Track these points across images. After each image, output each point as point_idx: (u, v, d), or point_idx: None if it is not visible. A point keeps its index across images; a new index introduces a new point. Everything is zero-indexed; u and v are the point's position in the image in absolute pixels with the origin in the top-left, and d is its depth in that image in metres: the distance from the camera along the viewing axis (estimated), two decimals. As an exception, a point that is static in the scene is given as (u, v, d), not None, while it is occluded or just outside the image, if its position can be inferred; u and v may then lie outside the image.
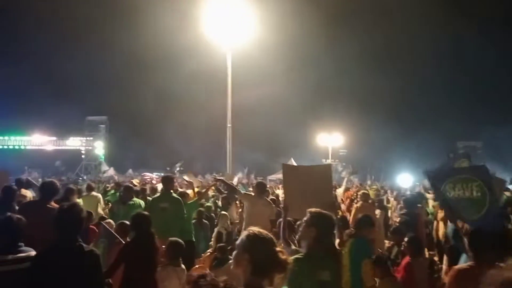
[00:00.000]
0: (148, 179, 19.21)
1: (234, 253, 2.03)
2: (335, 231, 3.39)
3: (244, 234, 2.05)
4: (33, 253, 3.43)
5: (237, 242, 2.06)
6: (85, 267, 2.87)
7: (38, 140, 31.83)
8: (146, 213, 4.29)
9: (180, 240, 4.42)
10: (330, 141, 34.05)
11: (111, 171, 24.47)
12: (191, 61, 25.82)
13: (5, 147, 30.85)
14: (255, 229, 2.05)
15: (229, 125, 18.82)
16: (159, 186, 10.96)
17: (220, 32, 18.56)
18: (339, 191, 9.87)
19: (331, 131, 33.74)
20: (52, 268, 2.89)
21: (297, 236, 5.00)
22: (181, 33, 22.92)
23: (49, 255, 3.01)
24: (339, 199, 9.97)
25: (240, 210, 8.29)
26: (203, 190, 8.75)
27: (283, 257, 1.95)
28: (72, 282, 2.86)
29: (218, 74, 20.77)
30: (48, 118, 29.32)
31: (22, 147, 31.42)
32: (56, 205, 4.73)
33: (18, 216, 3.54)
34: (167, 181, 6.21)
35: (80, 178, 22.61)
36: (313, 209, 3.01)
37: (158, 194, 6.90)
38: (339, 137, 34.60)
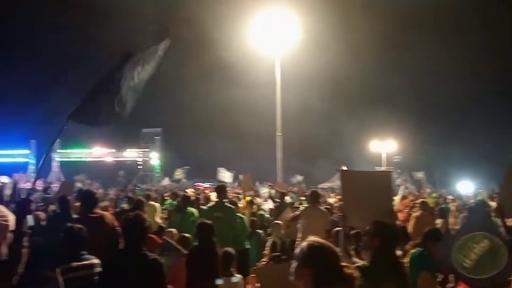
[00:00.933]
0: (201, 188, 19.60)
1: (293, 264, 1.93)
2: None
3: (304, 244, 1.94)
4: (95, 260, 3.60)
5: (297, 252, 1.95)
6: (149, 275, 2.97)
7: (98, 153, 33.50)
8: (209, 222, 4.38)
9: (230, 250, 4.46)
10: (383, 147, 33.02)
11: (165, 181, 25.30)
12: (241, 70, 26.22)
13: (68, 159, 32.73)
14: (316, 239, 1.94)
15: (278, 133, 18.79)
16: (212, 195, 11.18)
17: (267, 39, 18.70)
18: (396, 200, 9.50)
19: (384, 137, 32.72)
20: (118, 276, 3.01)
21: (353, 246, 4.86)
22: (229, 43, 23.36)
23: (116, 263, 3.14)
24: (395, 208, 9.60)
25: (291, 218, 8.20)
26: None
27: (349, 271, 1.83)
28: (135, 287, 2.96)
29: (268, 83, 20.88)
30: (106, 132, 30.97)
31: (84, 160, 33.25)
32: (101, 213, 4.97)
33: (80, 225, 3.74)
34: (221, 190, 6.31)
35: (137, 188, 23.58)
36: (377, 219, 2.93)
37: (212, 203, 7.02)
38: (393, 143, 33.46)
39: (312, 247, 1.91)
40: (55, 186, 14.95)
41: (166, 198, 11.01)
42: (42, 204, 9.94)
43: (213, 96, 29.37)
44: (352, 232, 4.95)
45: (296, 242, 6.47)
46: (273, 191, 11.16)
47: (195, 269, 4.05)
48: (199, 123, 32.21)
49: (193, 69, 30.80)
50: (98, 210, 4.86)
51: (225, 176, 17.45)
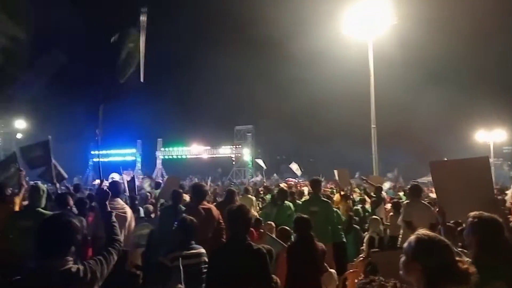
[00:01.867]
0: (292, 183, 19.76)
1: (402, 259, 1.84)
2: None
3: (412, 238, 1.84)
4: (202, 250, 3.84)
5: (405, 246, 1.86)
6: (253, 265, 3.08)
7: (196, 150, 35.42)
8: (306, 216, 4.42)
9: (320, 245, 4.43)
10: (491, 137, 29.89)
11: (258, 177, 25.97)
12: (332, 63, 25.75)
13: (170, 157, 35.14)
14: (426, 232, 1.82)
15: (373, 125, 18.08)
16: (305, 190, 11.21)
17: (359, 26, 18.07)
18: (509, 194, 8.59)
19: (492, 127, 29.59)
20: (225, 265, 3.18)
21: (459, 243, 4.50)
22: (320, 34, 23.05)
23: (222, 253, 3.32)
24: (508, 203, 8.66)
25: (391, 214, 7.87)
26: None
27: (464, 267, 1.69)
28: (242, 279, 3.08)
29: (360, 72, 20.16)
30: (203, 130, 32.84)
31: (184, 157, 35.47)
32: (208, 206, 5.25)
33: (191, 217, 4.01)
34: (316, 185, 6.29)
35: (232, 183, 24.57)
36: (473, 213, 2.64)
37: (307, 198, 7.03)
38: (502, 132, 30.12)
39: (420, 240, 1.80)
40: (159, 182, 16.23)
41: (260, 192, 11.31)
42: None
43: (303, 90, 29.29)
44: (459, 228, 4.61)
45: (399, 238, 6.21)
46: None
47: (296, 263, 4.11)
48: (289, 119, 32.45)
49: (282, 64, 31.04)
50: (206, 203, 5.18)
51: (295, 170, 17.47)
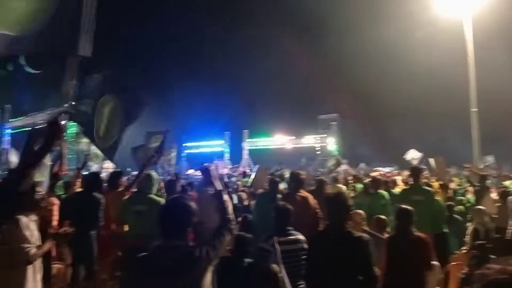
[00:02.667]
0: (382, 173, 19.01)
1: None
2: None
3: None
4: (301, 236, 3.92)
5: None
6: (354, 252, 3.08)
7: (280, 140, 35.73)
8: (409, 207, 4.28)
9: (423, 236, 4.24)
10: None
11: (344, 166, 25.40)
12: (424, 43, 24.13)
13: (256, 147, 35.89)
14: None
15: (473, 109, 16.65)
16: (398, 179, 10.78)
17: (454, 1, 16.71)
18: None
19: None
20: (324, 251, 3.22)
21: None
22: (406, 16, 21.74)
23: (321, 239, 3.37)
24: None
25: (498, 204, 7.26)
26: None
27: None
28: (342, 265, 3.11)
29: (457, 52, 18.64)
30: (287, 120, 32.98)
31: (268, 147, 36.03)
32: (306, 194, 5.30)
33: (286, 204, 4.12)
34: (417, 172, 6.04)
35: (318, 173, 24.38)
36: None
37: (407, 187, 6.76)
38: None
39: None
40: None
41: (349, 181, 11.12)
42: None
43: (392, 74, 27.90)
44: None
45: (507, 229, 5.72)
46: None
47: (397, 256, 4.00)
48: (375, 106, 31.16)
49: (369, 49, 29.85)
50: (303, 191, 5.28)
51: (415, 158, 16.48)
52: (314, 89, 32.85)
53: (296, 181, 5.26)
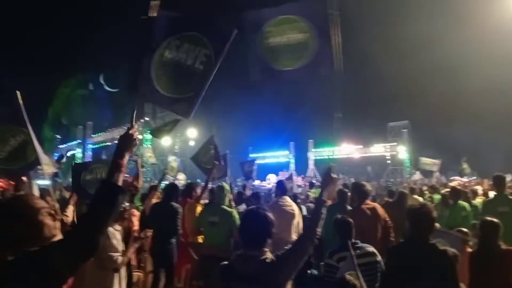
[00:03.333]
0: (461, 183, 17.82)
1: None
2: None
3: None
4: (370, 248, 3.78)
5: None
6: (439, 266, 2.91)
7: (347, 150, 34.98)
8: (494, 219, 3.98)
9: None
10: None
11: (417, 175, 24.17)
12: (501, 45, 22.45)
13: (321, 157, 35.49)
14: None
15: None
16: (478, 189, 10.05)
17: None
18: None
19: None
20: (405, 264, 3.08)
21: None
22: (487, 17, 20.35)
23: (401, 251, 3.23)
24: None
25: None
26: None
27: None
28: (425, 279, 2.94)
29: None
30: (353, 129, 32.19)
31: (334, 157, 35.39)
32: (373, 204, 5.10)
33: (344, 217, 4.01)
34: (501, 182, 5.60)
35: (389, 183, 23.45)
36: None
37: (491, 197, 6.29)
38: None
39: None
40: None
41: (425, 192, 10.56)
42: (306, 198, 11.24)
43: (466, 79, 26.20)
44: None
45: None
46: None
47: (482, 272, 3.72)
48: (450, 112, 29.37)
49: (437, 59, 28.38)
50: (370, 202, 5.13)
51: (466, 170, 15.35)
52: (383, 94, 31.70)
53: (359, 193, 5.10)
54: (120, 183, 1.91)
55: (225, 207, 5.48)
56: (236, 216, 5.28)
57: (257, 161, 35.36)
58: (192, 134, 30.89)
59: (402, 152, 31.13)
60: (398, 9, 26.88)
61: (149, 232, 3.75)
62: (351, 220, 3.93)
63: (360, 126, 32.57)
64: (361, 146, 33.68)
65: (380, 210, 5.03)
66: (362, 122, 32.73)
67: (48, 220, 1.75)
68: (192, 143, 30.41)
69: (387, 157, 32.59)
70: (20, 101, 4.56)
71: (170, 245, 5.62)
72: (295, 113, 34.21)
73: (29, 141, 4.58)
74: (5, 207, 1.77)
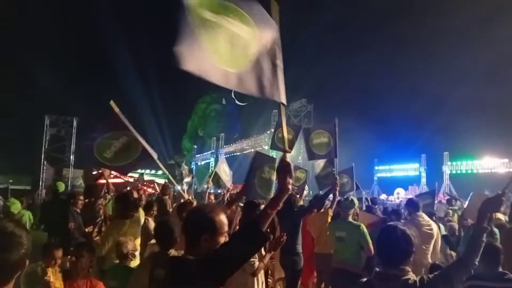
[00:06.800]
0: None
1: None
2: None
3: None
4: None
5: None
6: None
7: (490, 163, 31.18)
8: None
9: None
10: None
11: None
12: None
13: (458, 171, 32.23)
14: None
15: None
16: None
17: None
18: None
19: None
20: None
21: None
22: None
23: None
24: None
25: None
26: None
27: None
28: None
29: None
30: (498, 139, 28.43)
31: (474, 171, 31.80)
32: None
33: (491, 241, 3.55)
34: None
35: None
36: None
37: None
38: None
39: None
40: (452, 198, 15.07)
41: None
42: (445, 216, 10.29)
43: None
44: None
45: None
46: None
47: None
48: None
49: None
50: None
51: None
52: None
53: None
54: (264, 229, 1.99)
55: (352, 221, 5.42)
56: (365, 230, 5.17)
57: (382, 174, 33.75)
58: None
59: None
60: None
61: (284, 236, 3.85)
62: (498, 245, 3.48)
63: (506, 136, 28.61)
64: (507, 160, 29.58)
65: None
66: (509, 131, 28.72)
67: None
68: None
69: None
70: (116, 109, 5.02)
71: (298, 254, 5.72)
72: (428, 121, 31.73)
73: (132, 141, 5.13)
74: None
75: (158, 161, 5.28)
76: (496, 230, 4.83)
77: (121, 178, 11.69)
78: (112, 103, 5.03)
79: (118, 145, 5.09)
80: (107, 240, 4.65)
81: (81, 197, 7.17)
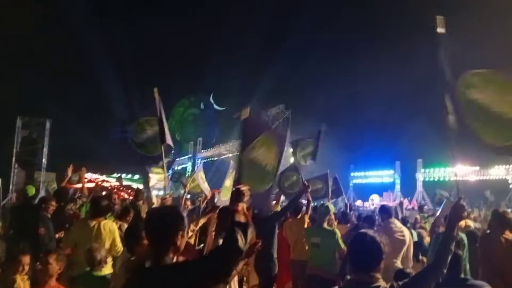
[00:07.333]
0: None
1: None
2: None
3: None
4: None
5: None
6: None
7: (461, 171, 31.95)
8: None
9: None
10: None
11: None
12: None
13: (431, 179, 32.95)
14: None
15: None
16: None
17: None
18: None
19: None
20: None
21: None
22: None
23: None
24: None
25: None
26: None
27: None
28: None
29: None
30: (470, 149, 29.28)
31: (446, 179, 32.57)
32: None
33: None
34: None
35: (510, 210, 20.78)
36: None
37: None
38: None
39: None
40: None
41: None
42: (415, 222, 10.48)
43: None
44: None
45: None
46: None
47: None
48: None
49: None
50: (509, 233, 4.66)
51: None
52: None
53: (499, 220, 4.64)
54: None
55: (327, 227, 5.47)
56: (339, 235, 5.23)
57: (358, 181, 34.19)
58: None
59: (529, 175, 27.44)
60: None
61: (259, 243, 3.83)
62: (460, 252, 3.56)
63: (478, 144, 29.51)
64: (478, 167, 30.51)
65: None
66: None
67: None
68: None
69: (510, 181, 28.97)
70: (157, 96, 5.25)
71: (272, 261, 5.72)
72: (403, 130, 32.42)
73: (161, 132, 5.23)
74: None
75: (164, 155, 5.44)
76: (464, 237, 4.96)
77: (94, 182, 11.49)
78: (156, 90, 5.31)
79: (151, 133, 5.37)
80: (68, 239, 4.73)
81: (53, 202, 6.97)
